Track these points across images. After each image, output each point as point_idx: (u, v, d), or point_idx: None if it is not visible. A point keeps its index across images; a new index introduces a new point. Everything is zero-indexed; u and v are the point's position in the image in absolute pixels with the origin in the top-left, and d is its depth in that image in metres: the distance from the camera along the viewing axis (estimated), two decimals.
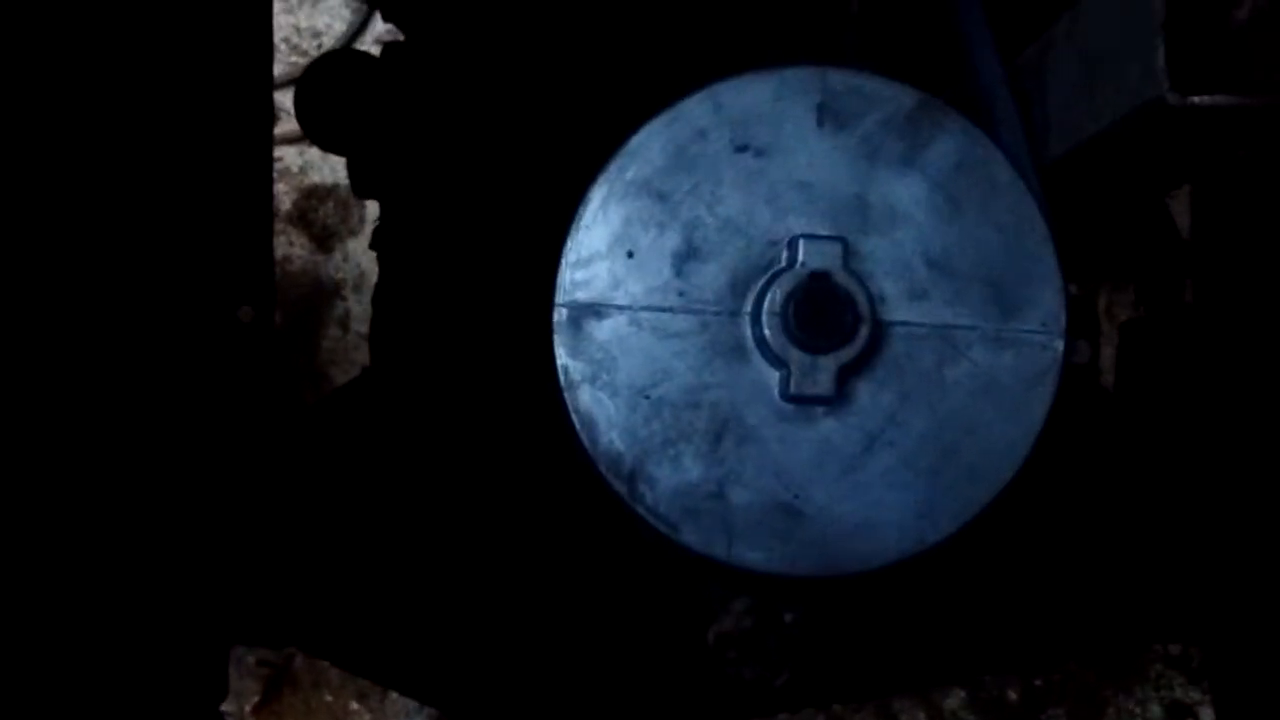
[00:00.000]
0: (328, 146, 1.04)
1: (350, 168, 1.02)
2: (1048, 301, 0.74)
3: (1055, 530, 0.95)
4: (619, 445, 0.74)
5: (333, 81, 0.99)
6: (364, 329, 1.52)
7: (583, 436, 0.74)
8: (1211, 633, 0.98)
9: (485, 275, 0.98)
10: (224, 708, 0.96)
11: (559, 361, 0.75)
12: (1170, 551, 0.97)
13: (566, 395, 0.75)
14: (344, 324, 1.58)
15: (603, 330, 0.75)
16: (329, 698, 1.08)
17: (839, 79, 0.75)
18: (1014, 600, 0.95)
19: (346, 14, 1.65)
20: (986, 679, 0.95)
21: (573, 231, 0.75)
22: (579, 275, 0.75)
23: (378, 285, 1.03)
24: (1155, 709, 0.99)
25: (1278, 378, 0.97)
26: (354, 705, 1.09)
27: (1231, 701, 0.98)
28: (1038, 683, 0.96)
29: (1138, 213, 0.98)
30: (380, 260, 1.03)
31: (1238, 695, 0.98)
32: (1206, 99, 0.61)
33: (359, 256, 1.60)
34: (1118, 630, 0.97)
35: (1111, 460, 0.98)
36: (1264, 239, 0.97)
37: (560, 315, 0.75)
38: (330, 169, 1.60)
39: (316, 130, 1.00)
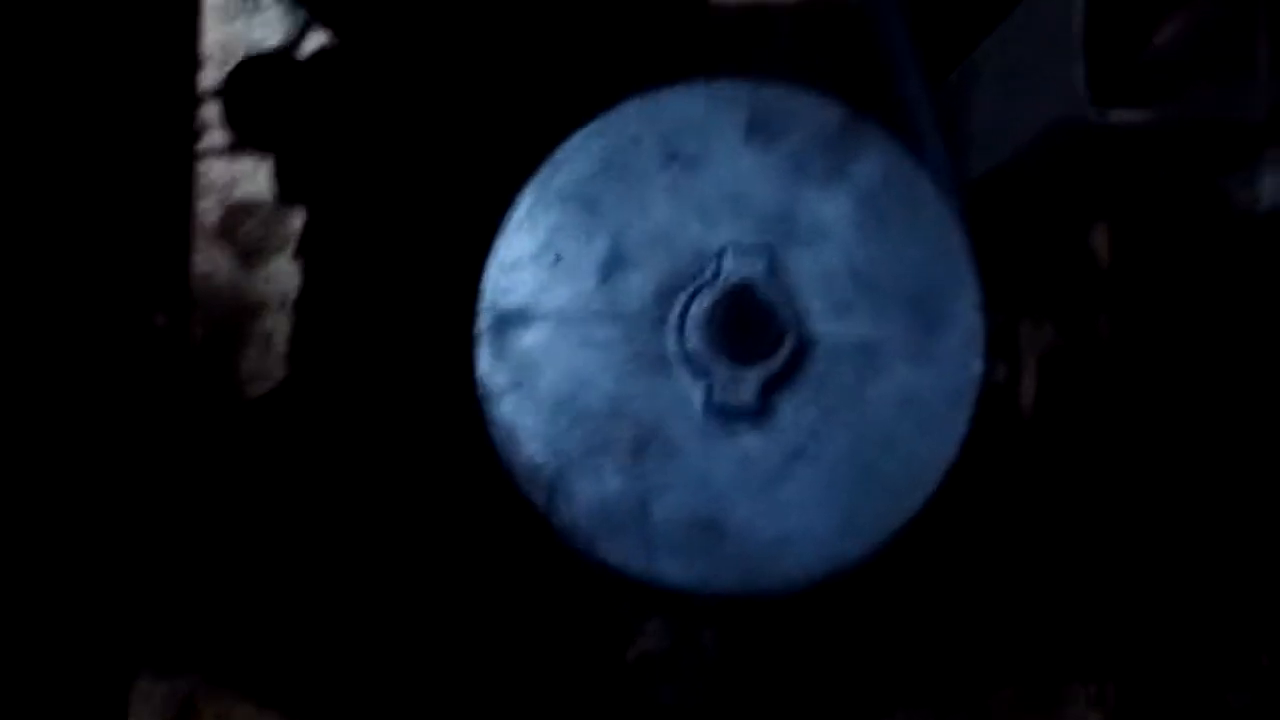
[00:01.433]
0: (253, 143, 1.03)
1: (277, 170, 1.01)
2: (968, 319, 0.74)
3: (972, 559, 0.95)
4: (539, 456, 0.73)
5: (262, 79, 0.98)
6: (287, 348, 1.48)
7: (502, 446, 0.73)
8: (1128, 670, 0.98)
9: (410, 281, 0.97)
10: None
11: (480, 369, 0.74)
12: (1087, 586, 0.98)
13: (487, 403, 0.73)
14: (267, 342, 1.55)
15: (526, 338, 0.74)
16: None
17: (768, 94, 0.76)
18: (931, 629, 0.95)
19: (283, 27, 1.63)
20: (903, 714, 0.95)
21: (500, 237, 0.75)
22: (505, 281, 0.74)
23: (300, 294, 1.01)
24: None
25: (1195, 409, 0.98)
26: None
27: None
28: (957, 718, 0.96)
29: (1057, 244, 0.99)
30: (305, 268, 1.01)
31: None
32: (1125, 116, 0.62)
33: (284, 274, 1.56)
34: (1037, 664, 0.98)
35: (1029, 490, 0.99)
36: (1182, 271, 0.99)
37: (484, 321, 0.74)
38: (258, 184, 1.57)
39: (243, 126, 0.99)
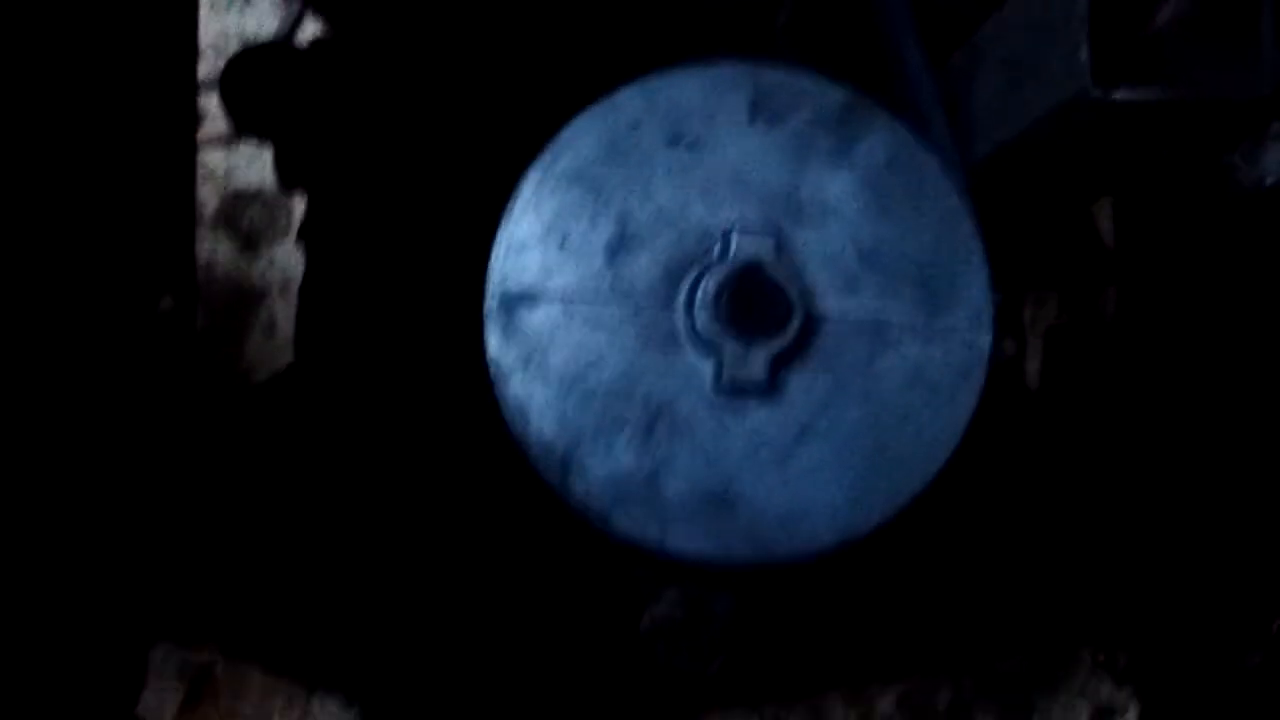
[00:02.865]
0: (252, 131, 1.03)
1: (276, 158, 1.01)
2: (974, 296, 0.75)
3: (982, 531, 0.96)
4: (550, 434, 0.74)
5: (261, 67, 0.98)
6: (290, 334, 1.49)
7: (514, 425, 0.74)
8: (1138, 636, 0.99)
9: (415, 266, 0.97)
10: (142, 715, 0.93)
11: (490, 350, 0.74)
12: (1096, 554, 0.99)
13: (497, 384, 0.74)
14: (270, 328, 1.55)
15: (534, 319, 0.74)
16: (249, 708, 1.05)
17: (771, 76, 0.76)
18: (942, 598, 0.96)
19: (277, 18, 1.63)
20: (916, 680, 0.96)
21: (505, 220, 0.75)
22: (511, 264, 0.75)
23: (304, 278, 1.02)
24: (1082, 712, 1.00)
25: (1200, 382, 0.99)
26: (275, 717, 1.06)
27: (1158, 704, 1.00)
28: (966, 685, 0.97)
29: (1062, 220, 1.00)
30: (307, 253, 1.02)
31: (1164, 698, 1.00)
32: (1128, 94, 0.63)
33: (286, 260, 1.57)
34: (1045, 632, 0.99)
35: (1037, 463, 0.99)
36: (1186, 247, 1.00)
37: (492, 304, 0.74)
38: (257, 172, 1.57)
39: (242, 114, 0.99)
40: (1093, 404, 1.02)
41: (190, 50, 0.99)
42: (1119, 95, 0.63)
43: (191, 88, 1.00)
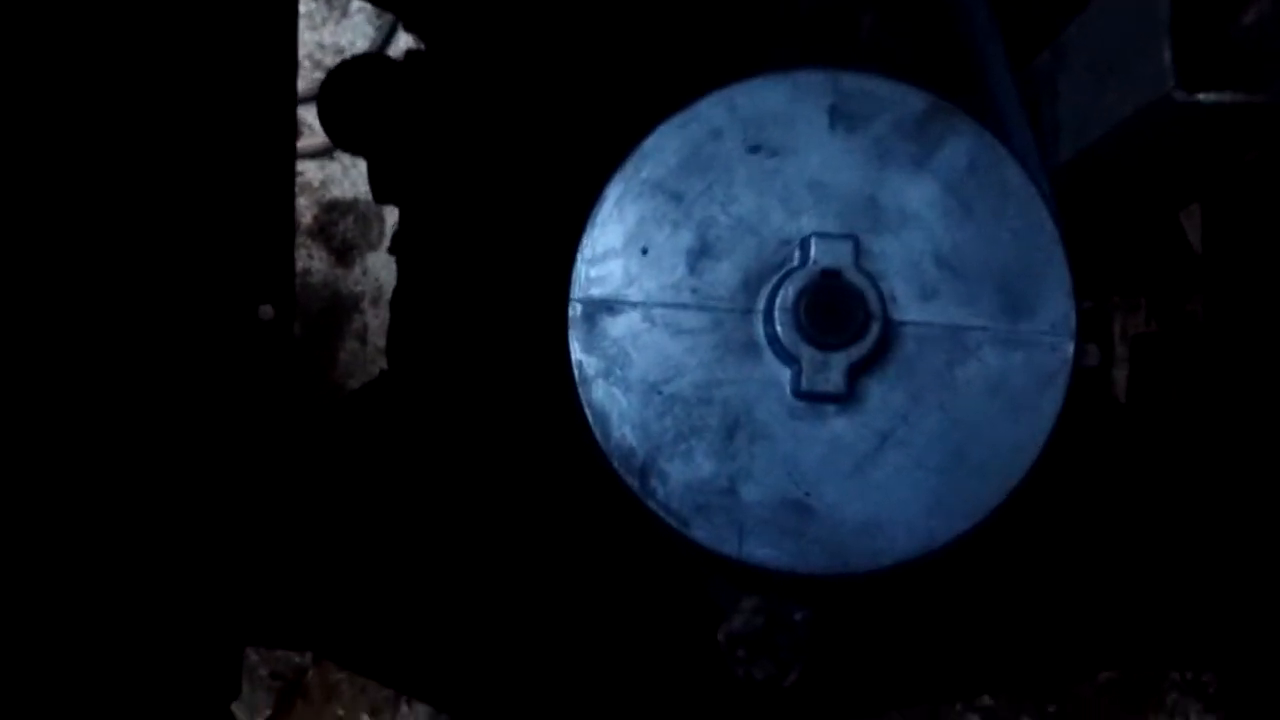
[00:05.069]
0: (349, 147, 1.06)
1: (371, 172, 1.04)
2: (1058, 303, 0.75)
3: (1067, 547, 0.95)
4: (631, 440, 0.75)
5: (357, 83, 1.01)
6: (382, 342, 1.53)
7: (596, 431, 0.75)
8: (1227, 658, 0.97)
9: (502, 274, 0.99)
10: (237, 717, 0.96)
11: (573, 356, 0.76)
12: (1185, 573, 0.97)
13: (580, 390, 0.75)
14: (362, 337, 1.60)
15: (617, 326, 0.76)
16: (341, 711, 1.08)
17: (851, 81, 0.76)
18: (1025, 617, 0.95)
19: (370, 31, 1.67)
20: (999, 703, 0.95)
21: (588, 229, 0.77)
22: (594, 272, 0.76)
23: (396, 288, 1.04)
24: None
25: None
26: (365, 718, 1.09)
27: None
28: (1051, 709, 0.96)
29: (1149, 226, 0.98)
30: (399, 264, 1.05)
31: None
32: (1213, 97, 0.62)
33: (378, 270, 1.61)
34: (1132, 655, 0.97)
35: (1125, 476, 0.98)
36: (1275, 253, 0.98)
37: (575, 311, 0.76)
38: (351, 183, 1.62)
39: (339, 131, 1.02)
40: (1182, 414, 1.00)
41: (290, 63, 1.02)
42: (1203, 98, 0.63)
43: (291, 100, 1.03)
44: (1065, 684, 0.96)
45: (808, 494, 0.74)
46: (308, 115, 1.12)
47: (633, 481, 0.74)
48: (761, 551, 0.74)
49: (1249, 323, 0.99)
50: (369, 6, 1.61)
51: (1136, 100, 0.66)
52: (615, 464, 0.75)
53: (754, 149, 0.76)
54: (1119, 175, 0.78)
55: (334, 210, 1.64)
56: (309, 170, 1.63)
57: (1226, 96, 0.62)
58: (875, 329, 0.73)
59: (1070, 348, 0.74)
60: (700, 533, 0.74)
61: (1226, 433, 0.99)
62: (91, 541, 0.87)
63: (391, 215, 1.61)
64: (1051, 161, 0.78)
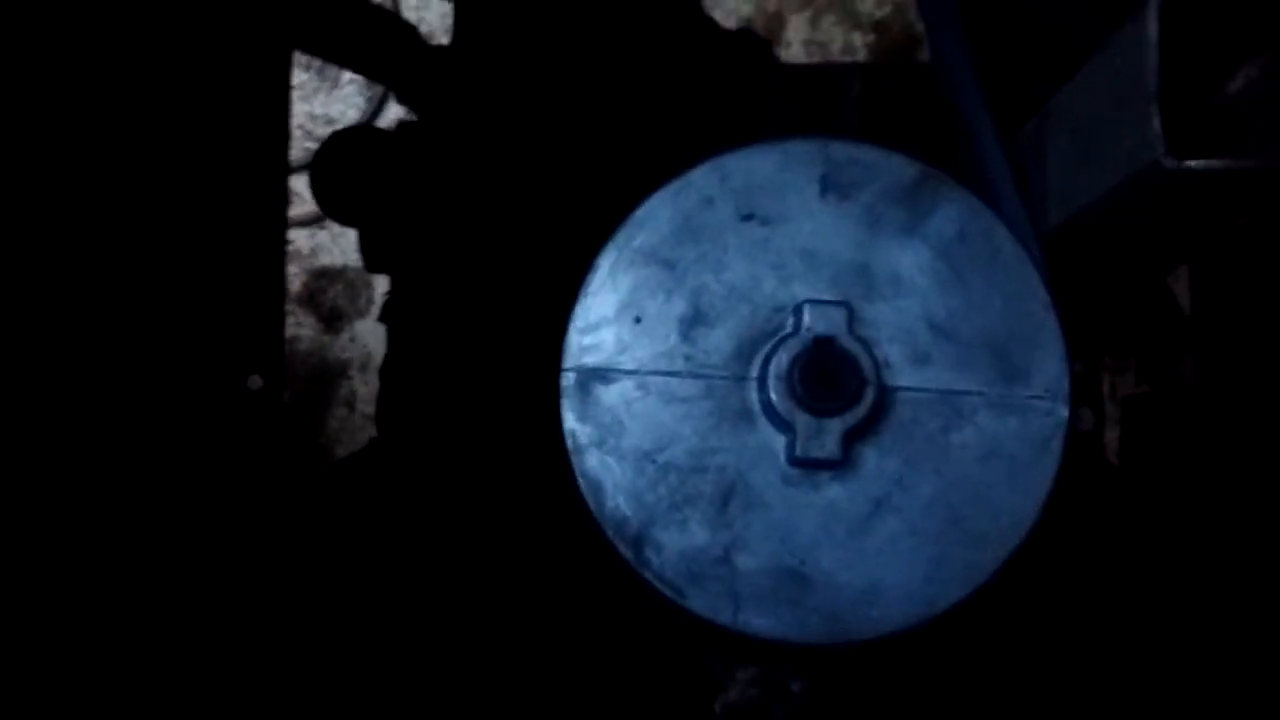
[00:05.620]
0: (340, 217, 1.06)
1: (362, 241, 1.04)
2: (1051, 367, 0.75)
3: (1063, 606, 0.94)
4: (625, 509, 0.74)
5: (348, 153, 1.02)
6: (370, 409, 1.52)
7: (589, 501, 0.74)
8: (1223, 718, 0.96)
9: (493, 344, 0.99)
10: None
11: (566, 425, 0.75)
12: (1179, 633, 0.96)
13: (574, 459, 0.75)
14: (350, 404, 1.59)
15: (610, 395, 0.75)
16: None
17: (841, 150, 0.77)
18: (1023, 683, 0.94)
19: (361, 102, 1.69)
20: None
21: (581, 298, 0.76)
22: (587, 340, 0.76)
23: (386, 357, 1.04)
24: None
25: None
26: None
27: None
28: None
29: (1138, 289, 0.99)
30: (389, 332, 1.04)
31: None
32: (1202, 164, 0.62)
33: (366, 337, 1.61)
34: (1127, 714, 0.96)
35: (1119, 536, 0.97)
36: (1265, 315, 0.98)
37: (568, 380, 0.76)
38: (340, 252, 1.63)
39: (329, 200, 1.02)
40: (1175, 475, 1.00)
41: (282, 133, 1.03)
42: (1193, 165, 0.63)
43: (283, 170, 1.03)
44: None
45: (803, 562, 0.73)
46: (298, 185, 1.13)
47: (627, 551, 0.74)
48: (758, 621, 0.73)
49: (1240, 382, 1.00)
50: (360, 78, 1.63)
51: (1126, 167, 0.66)
52: (609, 534, 0.74)
53: (746, 217, 0.76)
54: (1108, 239, 0.78)
55: (323, 278, 1.64)
56: (299, 239, 1.63)
57: (1216, 163, 0.62)
58: (870, 395, 0.72)
59: (1065, 412, 0.74)
60: (696, 603, 0.73)
61: (1220, 492, 0.99)
62: (76, 615, 0.86)
63: (381, 283, 1.61)
64: (1041, 227, 0.78)
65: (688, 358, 0.75)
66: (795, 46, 1.71)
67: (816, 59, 1.70)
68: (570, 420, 0.75)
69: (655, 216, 0.77)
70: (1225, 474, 0.99)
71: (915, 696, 0.91)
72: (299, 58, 1.38)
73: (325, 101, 1.68)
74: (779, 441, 0.74)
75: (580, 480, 0.74)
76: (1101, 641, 0.95)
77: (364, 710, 0.95)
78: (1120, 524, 0.97)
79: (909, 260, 0.76)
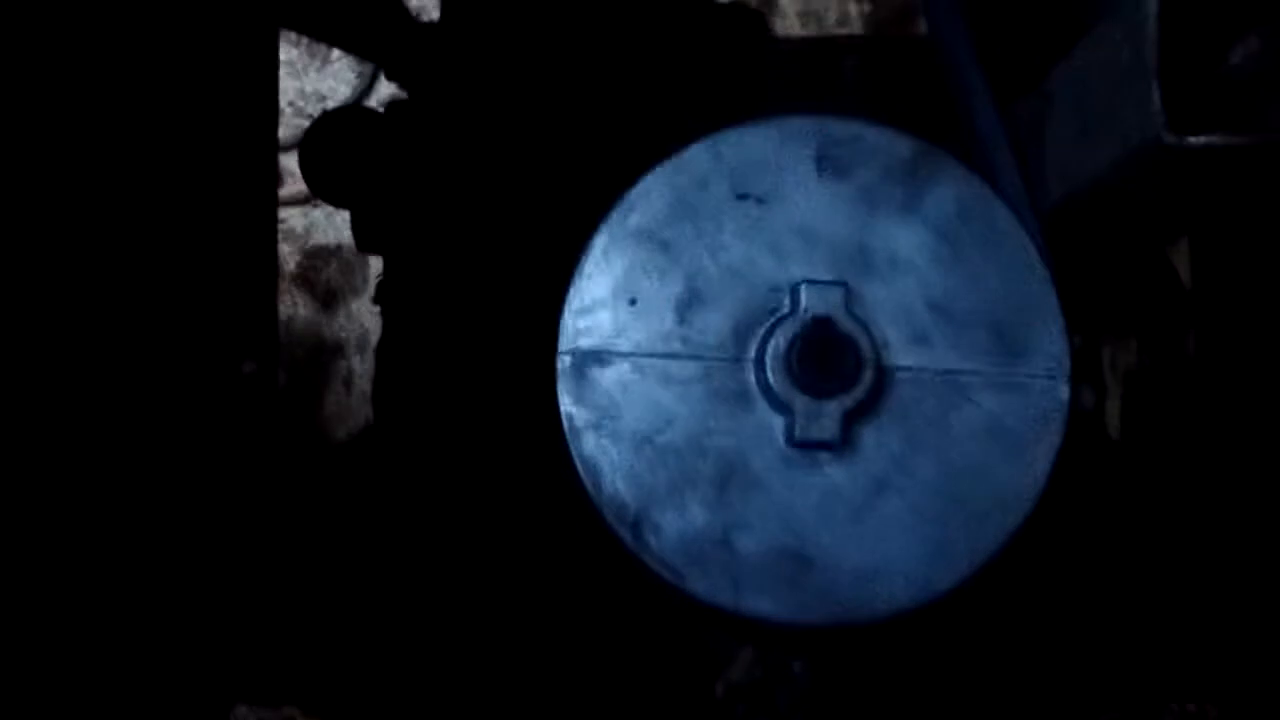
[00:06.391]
0: (331, 199, 1.05)
1: (354, 222, 1.03)
2: (1051, 345, 0.74)
3: (1066, 584, 0.94)
4: (623, 492, 0.74)
5: (338, 134, 1.00)
6: (368, 388, 1.51)
7: (587, 483, 0.74)
8: (1227, 689, 0.96)
9: (488, 326, 0.99)
10: None
11: (563, 408, 0.74)
12: (1183, 605, 0.96)
13: (570, 442, 0.74)
14: (347, 383, 1.59)
15: (606, 377, 0.75)
16: None
17: (838, 128, 0.76)
18: (1026, 661, 0.94)
19: (352, 78, 1.67)
20: None
21: (575, 279, 0.76)
22: (582, 323, 0.75)
23: (381, 339, 1.03)
24: None
25: None
26: None
27: None
28: None
29: (1138, 263, 0.98)
30: (384, 314, 1.04)
31: None
32: (1202, 139, 0.62)
33: (362, 316, 1.60)
34: (1131, 688, 0.96)
35: (1121, 512, 0.97)
36: (1266, 288, 0.98)
37: (564, 363, 0.75)
38: (334, 230, 1.62)
39: (320, 183, 1.01)
40: (1177, 450, 0.99)
41: (271, 110, 1.02)
42: (1193, 140, 0.62)
43: (273, 148, 1.02)
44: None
45: (804, 543, 0.73)
46: (289, 163, 1.11)
47: (626, 534, 0.73)
48: (758, 602, 0.73)
49: (1242, 356, 0.99)
50: (350, 55, 1.61)
51: (1125, 143, 0.65)
52: (607, 517, 0.73)
53: (742, 196, 0.76)
54: (1108, 215, 0.77)
55: (317, 256, 1.63)
56: (292, 218, 1.62)
57: (1216, 138, 0.61)
58: (868, 375, 0.72)
59: (1065, 389, 0.74)
60: (695, 585, 0.73)
61: (1223, 466, 0.98)
62: (76, 598, 0.86)
63: (376, 262, 1.60)
64: (1041, 203, 0.77)
65: (684, 339, 0.75)
66: (790, 18, 1.70)
67: (812, 30, 1.68)
68: (567, 403, 0.75)
69: (649, 196, 0.76)
70: (1227, 448, 0.98)
71: (918, 676, 0.91)
72: (288, 34, 1.37)
73: (316, 78, 1.67)
74: (778, 423, 0.73)
75: (578, 463, 0.74)
76: (1104, 619, 0.95)
77: (361, 689, 0.95)
78: (1122, 500, 0.97)
79: (907, 239, 0.75)
